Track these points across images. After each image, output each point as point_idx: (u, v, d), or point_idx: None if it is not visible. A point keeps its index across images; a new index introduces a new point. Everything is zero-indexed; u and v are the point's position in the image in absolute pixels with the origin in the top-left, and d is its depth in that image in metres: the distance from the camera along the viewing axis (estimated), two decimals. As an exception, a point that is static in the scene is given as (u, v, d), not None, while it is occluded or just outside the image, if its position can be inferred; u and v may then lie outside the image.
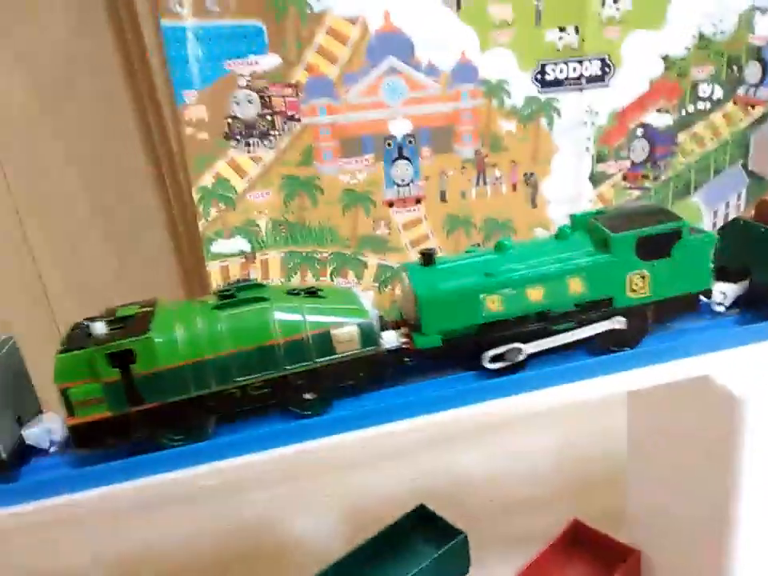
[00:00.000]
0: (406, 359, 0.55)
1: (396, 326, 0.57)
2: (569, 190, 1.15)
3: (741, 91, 1.17)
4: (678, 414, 0.62)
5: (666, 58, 1.12)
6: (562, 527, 0.78)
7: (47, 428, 0.51)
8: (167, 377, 0.48)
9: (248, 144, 0.98)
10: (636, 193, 1.20)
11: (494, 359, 0.54)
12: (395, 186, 1.06)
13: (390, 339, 0.54)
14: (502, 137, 1.09)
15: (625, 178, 1.18)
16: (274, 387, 0.51)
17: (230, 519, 0.96)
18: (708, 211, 1.24)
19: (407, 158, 1.06)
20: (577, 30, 1.05)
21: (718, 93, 1.16)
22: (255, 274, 1.04)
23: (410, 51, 1.00)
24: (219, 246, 1.01)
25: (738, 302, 0.61)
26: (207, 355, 0.49)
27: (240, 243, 1.01)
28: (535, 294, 0.53)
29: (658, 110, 1.15)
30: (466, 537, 0.75)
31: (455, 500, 0.87)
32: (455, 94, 1.04)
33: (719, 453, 0.55)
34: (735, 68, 1.16)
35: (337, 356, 0.52)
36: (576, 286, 0.54)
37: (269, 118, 0.97)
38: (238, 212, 1.00)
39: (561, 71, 1.07)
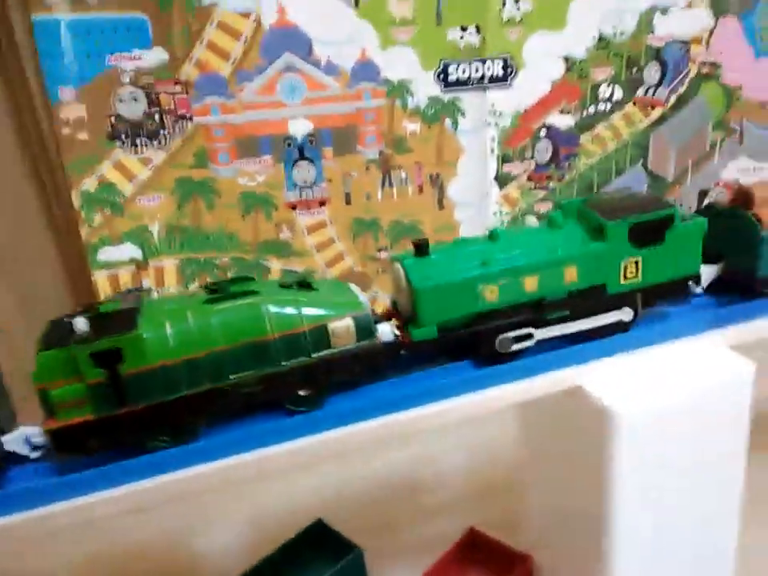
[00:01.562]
0: (402, 351, 0.54)
1: (387, 317, 0.56)
2: (475, 192, 1.14)
3: (640, 92, 1.20)
4: (560, 422, 0.62)
5: (566, 59, 1.12)
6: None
7: (27, 433, 0.48)
8: (157, 376, 0.46)
9: (135, 145, 0.92)
10: (541, 193, 1.20)
11: (505, 343, 0.54)
12: (297, 189, 1.03)
13: (386, 331, 0.53)
14: (406, 137, 1.07)
15: (530, 178, 1.18)
16: (268, 384, 0.49)
17: (129, 537, 0.91)
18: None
19: (309, 159, 1.02)
20: (478, 30, 1.04)
21: (618, 94, 1.18)
22: (149, 283, 0.98)
23: (307, 48, 0.96)
24: (107, 254, 0.95)
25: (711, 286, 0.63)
26: (200, 352, 0.47)
27: (131, 250, 0.95)
28: (531, 283, 0.54)
29: (561, 111, 1.16)
30: (362, 552, 0.73)
31: (357, 512, 0.84)
32: (357, 93, 1.01)
33: (595, 463, 0.55)
34: (635, 69, 1.17)
35: (334, 350, 0.50)
36: (571, 275, 0.54)
37: (157, 117, 0.92)
38: (127, 217, 0.94)
39: (464, 71, 1.06)
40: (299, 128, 1.00)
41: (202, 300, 0.49)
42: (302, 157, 1.01)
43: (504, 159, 1.15)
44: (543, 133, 1.16)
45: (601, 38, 1.13)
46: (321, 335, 0.49)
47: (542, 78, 1.12)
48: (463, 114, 1.09)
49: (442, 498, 0.85)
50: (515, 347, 0.55)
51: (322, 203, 1.05)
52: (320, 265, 1.08)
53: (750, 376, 0.56)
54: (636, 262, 0.56)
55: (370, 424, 0.52)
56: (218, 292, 0.50)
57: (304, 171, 1.02)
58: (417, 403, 0.53)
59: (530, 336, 0.55)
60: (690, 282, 0.60)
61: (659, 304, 0.60)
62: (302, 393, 0.51)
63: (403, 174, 1.09)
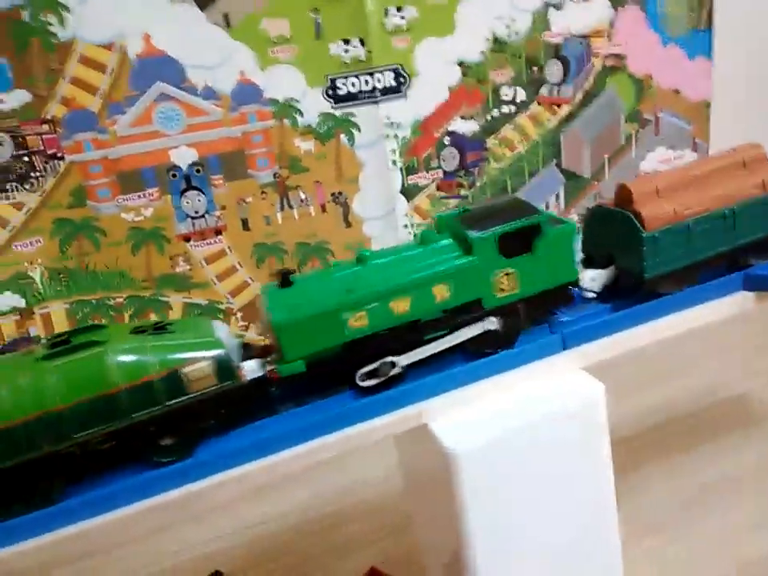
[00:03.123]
0: (272, 388, 0.52)
1: (264, 352, 0.53)
2: (382, 206, 1.11)
3: (544, 91, 1.17)
4: (416, 459, 0.59)
5: (461, 64, 1.10)
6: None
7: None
8: None
9: (5, 190, 0.88)
10: (453, 201, 1.17)
11: (368, 376, 0.52)
12: (189, 219, 0.99)
13: (252, 369, 0.50)
14: (301, 157, 1.04)
15: (439, 188, 1.15)
16: (121, 438, 0.47)
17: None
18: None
19: (197, 188, 0.99)
20: (363, 42, 1.01)
21: (521, 95, 1.16)
22: (37, 330, 0.94)
23: (180, 75, 0.94)
24: (-14, 305, 0.91)
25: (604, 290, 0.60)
26: (32, 413, 0.44)
27: (11, 299, 0.92)
28: (401, 306, 0.52)
29: (463, 117, 1.13)
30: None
31: (254, 559, 0.81)
32: (241, 116, 0.98)
33: (448, 501, 0.52)
34: (535, 68, 1.15)
35: (192, 395, 0.48)
36: (442, 292, 0.53)
37: (26, 159, 0.88)
38: (4, 265, 0.90)
39: (353, 85, 1.03)
40: (183, 157, 0.96)
41: (40, 356, 0.46)
42: (190, 186, 0.98)
43: (409, 170, 1.12)
44: (447, 140, 1.14)
45: (495, 40, 1.11)
46: (174, 381, 0.47)
47: (438, 84, 1.10)
48: (358, 129, 1.06)
49: (345, 536, 0.82)
50: (394, 371, 0.52)
51: (218, 232, 1.02)
52: (224, 295, 1.05)
53: (599, 398, 0.53)
54: (508, 273, 0.54)
55: (244, 468, 0.50)
56: (61, 345, 0.47)
57: (194, 201, 0.99)
58: (287, 444, 0.51)
59: (392, 365, 0.52)
60: (576, 288, 0.58)
61: (543, 313, 0.58)
62: (165, 443, 0.48)
63: (303, 195, 1.06)
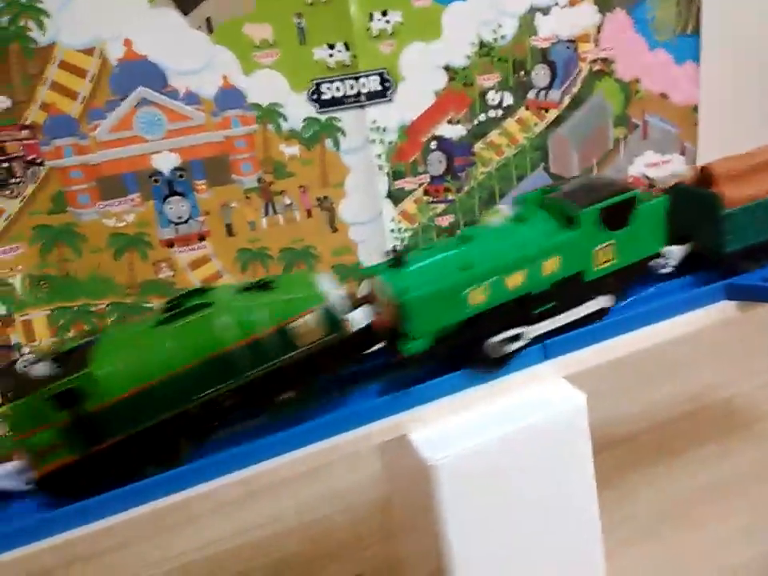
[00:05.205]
0: (395, 366, 0.54)
1: (363, 302, 0.54)
2: (368, 211, 1.11)
3: (531, 95, 1.17)
4: (399, 469, 0.58)
5: (448, 68, 1.09)
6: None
7: (15, 470, 0.48)
8: (120, 409, 0.45)
9: (-16, 196, 0.87)
10: (441, 206, 1.17)
11: (495, 348, 0.53)
12: (172, 225, 0.98)
13: (357, 319, 0.51)
14: (286, 162, 1.03)
15: (426, 192, 1.15)
16: (242, 395, 0.48)
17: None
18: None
19: (181, 194, 0.98)
20: (347, 47, 1.01)
21: (509, 99, 1.15)
22: (18, 338, 0.93)
23: (161, 80, 0.93)
24: (-35, 312, 0.90)
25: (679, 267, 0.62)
26: (158, 377, 0.46)
27: (-9, 306, 0.91)
28: (515, 280, 0.53)
29: (449, 121, 1.12)
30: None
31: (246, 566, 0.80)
32: (224, 121, 0.98)
33: (429, 512, 0.51)
34: (522, 73, 1.15)
35: (301, 349, 0.48)
36: (551, 266, 0.54)
37: (5, 165, 0.87)
38: (-17, 272, 0.89)
39: (338, 89, 1.02)
40: (165, 162, 0.96)
41: (156, 322, 0.48)
42: (173, 192, 0.97)
43: (395, 175, 1.11)
44: (434, 145, 1.13)
45: (482, 45, 1.10)
46: (284, 336, 0.48)
47: (425, 89, 1.09)
48: (344, 133, 1.05)
49: (330, 545, 0.81)
50: (508, 349, 0.54)
51: (202, 237, 1.01)
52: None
53: (581, 408, 0.53)
54: (608, 246, 0.56)
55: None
56: (173, 310, 0.48)
57: (177, 206, 0.98)
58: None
59: (518, 336, 0.54)
60: (656, 261, 0.60)
61: (628, 285, 0.60)
62: (285, 396, 0.49)
63: (288, 200, 1.05)
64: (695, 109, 1.29)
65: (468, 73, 1.11)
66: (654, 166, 1.30)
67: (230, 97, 0.97)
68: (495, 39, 1.11)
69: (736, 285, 0.59)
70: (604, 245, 0.55)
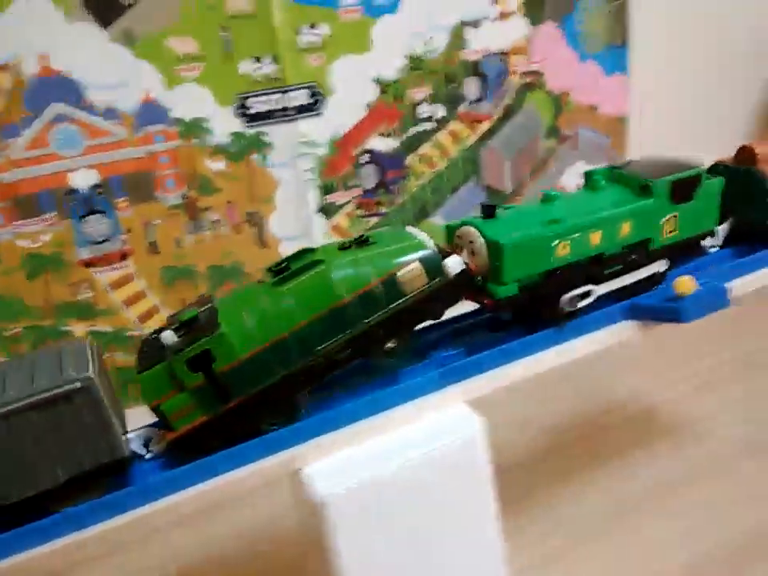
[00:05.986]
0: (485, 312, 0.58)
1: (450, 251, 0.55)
2: (299, 225, 1.09)
3: (463, 108, 1.17)
4: (299, 503, 0.57)
5: (378, 81, 1.08)
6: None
7: (144, 435, 0.51)
8: (249, 366, 0.47)
9: None
10: (374, 220, 1.16)
11: (571, 302, 0.56)
12: (91, 244, 0.95)
13: (455, 264, 0.52)
14: (212, 177, 1.00)
15: (359, 206, 1.14)
16: (355, 345, 0.50)
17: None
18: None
19: (100, 212, 0.94)
20: (275, 60, 0.98)
21: (440, 112, 1.15)
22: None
23: (79, 95, 0.89)
24: None
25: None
26: (282, 333, 0.48)
27: None
28: (594, 239, 0.56)
29: (381, 134, 1.12)
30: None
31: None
32: (146, 136, 0.94)
33: (325, 546, 0.50)
34: (454, 85, 1.14)
35: (409, 296, 0.50)
36: (626, 229, 0.57)
37: None
38: None
39: (265, 103, 1.00)
40: (83, 179, 0.92)
41: (270, 284, 0.50)
42: (93, 210, 0.94)
43: (327, 189, 1.10)
44: (366, 158, 1.12)
45: (412, 58, 1.09)
46: (392, 285, 0.50)
47: (355, 102, 1.08)
48: (272, 148, 1.03)
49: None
50: (591, 299, 0.57)
51: (124, 256, 0.98)
52: (133, 321, 1.00)
53: (479, 433, 0.53)
54: (674, 217, 0.59)
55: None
56: (282, 272, 0.50)
57: (96, 225, 0.95)
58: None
59: (588, 293, 0.57)
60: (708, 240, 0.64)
61: (685, 256, 0.64)
62: (390, 345, 0.52)
63: (214, 216, 1.02)
64: (624, 120, 1.31)
65: (399, 86, 1.10)
66: (585, 176, 1.31)
67: (152, 112, 0.93)
68: (426, 52, 1.10)
69: (638, 305, 0.60)
70: (670, 215, 0.59)
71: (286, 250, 1.09)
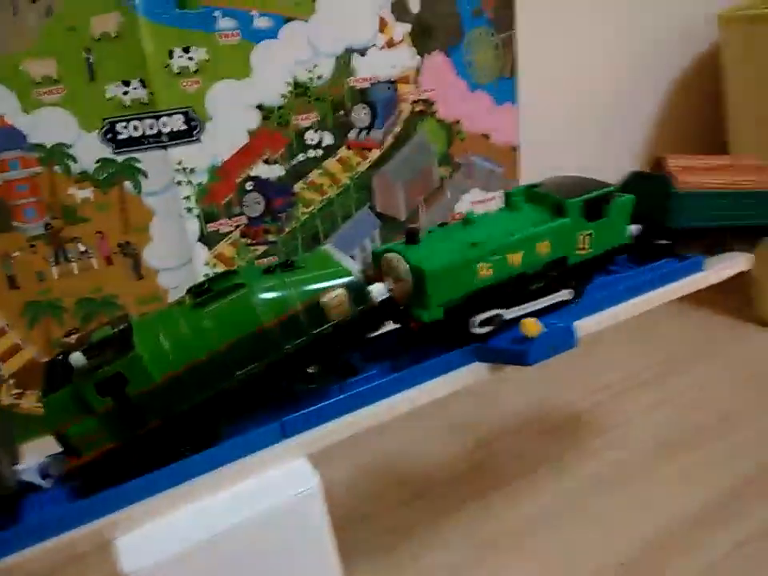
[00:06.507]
0: (409, 336, 0.59)
1: (375, 279, 0.57)
2: (178, 256, 1.04)
3: (352, 135, 1.15)
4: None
5: (261, 108, 1.05)
6: None
7: (41, 465, 0.49)
8: (164, 390, 0.46)
9: None
10: (261, 248, 1.12)
11: (482, 324, 0.57)
12: (-62, 279, 0.87)
13: (380, 291, 0.54)
14: (77, 206, 0.95)
15: (244, 234, 1.10)
16: (275, 370, 0.49)
17: None
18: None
19: (-51, 244, 0.87)
20: (144, 84, 0.94)
21: (328, 139, 1.13)
22: None
23: None
24: None
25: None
26: (200, 357, 0.47)
27: None
28: (515, 259, 0.58)
29: (266, 161, 1.08)
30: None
31: None
32: (1, 164, 0.88)
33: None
34: (342, 113, 1.13)
35: (332, 321, 0.50)
36: (544, 248, 0.59)
37: None
38: None
39: (135, 129, 0.95)
40: (-74, 210, 0.85)
41: (191, 306, 0.48)
42: (-61, 242, 0.86)
43: (208, 217, 1.06)
44: (250, 185, 1.08)
45: (297, 84, 1.07)
46: (315, 311, 0.50)
47: (236, 128, 1.04)
48: (145, 175, 0.98)
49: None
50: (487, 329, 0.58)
51: (-22, 291, 0.90)
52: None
53: (315, 490, 0.50)
54: (588, 235, 0.62)
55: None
56: (203, 294, 0.49)
57: (-56, 258, 0.87)
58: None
59: (498, 316, 0.58)
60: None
61: (599, 271, 0.67)
62: (310, 370, 0.52)
63: (82, 247, 0.96)
64: (515, 148, 1.33)
65: (283, 112, 1.07)
66: (480, 203, 1.32)
67: (6, 137, 0.87)
68: (311, 79, 1.08)
69: (485, 348, 0.59)
70: (584, 233, 0.62)
71: (165, 281, 1.05)
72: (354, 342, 0.54)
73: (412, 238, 0.57)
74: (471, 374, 0.59)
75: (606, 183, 0.64)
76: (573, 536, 0.81)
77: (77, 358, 0.45)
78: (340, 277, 0.51)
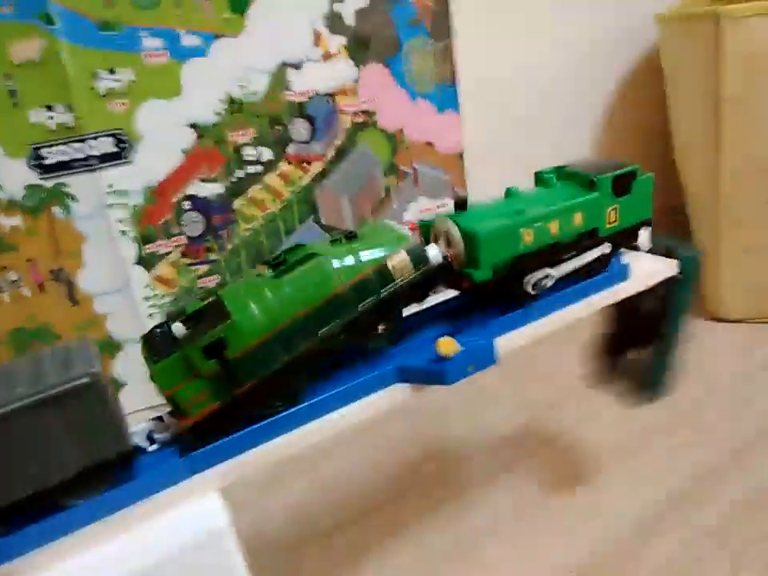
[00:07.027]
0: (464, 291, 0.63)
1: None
2: (114, 279, 1.02)
3: (292, 149, 1.14)
4: None
5: (195, 126, 1.03)
6: None
7: (148, 429, 0.52)
8: (258, 352, 0.50)
9: None
10: (204, 267, 1.11)
11: (534, 285, 0.61)
12: None
13: (436, 254, 0.58)
14: (5, 234, 0.92)
15: (185, 254, 1.08)
16: (350, 330, 0.54)
17: None
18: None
19: None
20: (69, 108, 0.92)
21: (268, 154, 1.11)
22: None
23: None
24: None
25: None
26: (287, 320, 0.51)
27: None
28: (553, 227, 0.62)
29: (204, 180, 1.07)
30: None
31: None
32: None
33: None
34: (280, 127, 1.11)
35: (398, 283, 0.55)
36: (578, 219, 0.63)
37: None
38: None
39: (63, 153, 0.93)
40: None
41: (271, 276, 0.52)
42: None
43: (145, 239, 1.04)
44: (188, 205, 1.07)
45: (232, 101, 1.06)
46: (384, 273, 0.54)
47: (170, 148, 1.03)
48: (75, 200, 0.96)
49: None
50: (550, 283, 0.62)
51: None
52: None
53: (224, 527, 0.49)
54: (615, 209, 0.66)
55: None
56: (279, 266, 0.53)
57: None
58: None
59: (547, 276, 0.62)
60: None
61: (626, 245, 0.69)
62: (380, 329, 0.57)
63: (13, 276, 0.94)
64: (460, 155, 1.33)
65: (218, 130, 1.06)
66: (428, 210, 1.32)
67: (-76, 167, 0.85)
68: (245, 95, 1.07)
69: (406, 368, 0.58)
70: (612, 207, 0.65)
71: (102, 306, 1.03)
72: (416, 299, 0.59)
73: (461, 205, 0.61)
74: (392, 396, 0.58)
75: (631, 162, 0.67)
76: (526, 544, 0.81)
77: (178, 327, 0.49)
78: (402, 242, 0.56)
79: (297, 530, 0.88)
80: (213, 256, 1.11)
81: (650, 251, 0.72)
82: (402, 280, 0.56)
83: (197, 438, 0.50)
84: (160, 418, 0.54)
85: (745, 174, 1.16)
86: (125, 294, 1.03)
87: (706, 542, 0.78)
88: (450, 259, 0.60)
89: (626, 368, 0.82)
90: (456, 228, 0.60)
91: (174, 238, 1.07)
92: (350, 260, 0.54)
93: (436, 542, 0.84)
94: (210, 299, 0.51)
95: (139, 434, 0.52)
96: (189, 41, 1.00)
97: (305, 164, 1.17)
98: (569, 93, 1.50)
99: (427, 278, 0.58)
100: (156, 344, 0.50)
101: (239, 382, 0.50)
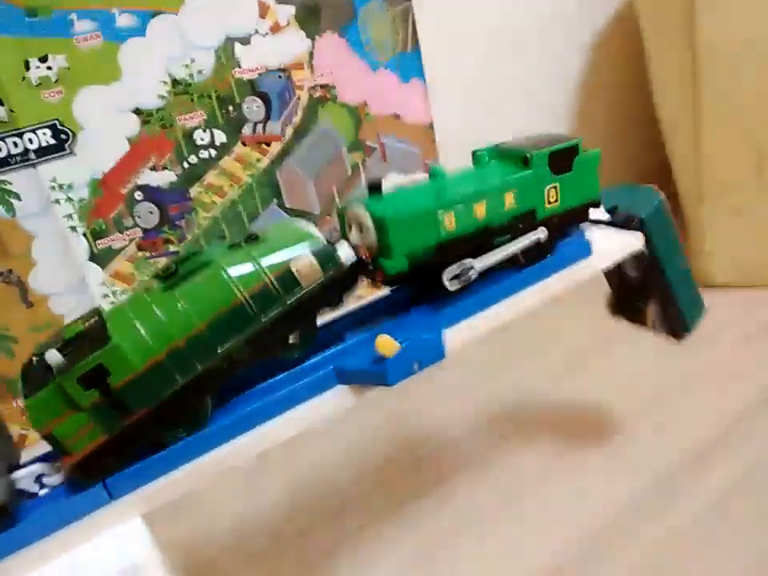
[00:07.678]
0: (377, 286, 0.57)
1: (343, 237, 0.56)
2: (68, 278, 0.98)
3: (247, 131, 1.09)
4: None
5: (138, 111, 0.98)
6: None
7: (36, 471, 0.48)
8: (148, 377, 0.45)
9: None
10: (163, 260, 1.06)
11: (453, 278, 0.56)
12: None
13: (347, 254, 0.53)
14: (-56, 239, 0.88)
15: (141, 247, 1.04)
16: (256, 343, 0.49)
17: None
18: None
19: None
20: (1, 101, 0.87)
21: (221, 137, 1.06)
22: None
23: None
24: None
25: None
26: (179, 339, 0.46)
27: None
28: (480, 210, 0.56)
29: (154, 168, 1.02)
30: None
31: None
32: None
33: None
34: (231, 108, 1.06)
35: (306, 289, 0.50)
36: (510, 200, 0.58)
37: None
38: None
39: (-1, 149, 0.88)
40: None
41: (161, 290, 0.47)
42: None
43: (97, 234, 0.99)
44: (140, 195, 1.02)
45: (176, 82, 1.00)
46: (288, 279, 0.49)
47: (113, 136, 0.98)
48: (18, 197, 0.91)
49: None
50: (473, 274, 0.56)
51: None
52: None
53: (151, 553, 0.46)
54: (555, 188, 0.60)
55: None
56: (170, 276, 0.48)
57: None
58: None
59: (471, 268, 0.56)
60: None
61: (570, 227, 0.65)
62: (291, 341, 0.51)
63: (-43, 281, 0.90)
64: (430, 126, 1.27)
65: (165, 114, 1.00)
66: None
67: None
68: (191, 75, 1.01)
69: (345, 370, 0.54)
70: (551, 186, 0.60)
71: (57, 306, 0.99)
72: (330, 304, 0.54)
73: (375, 188, 0.55)
74: (335, 398, 0.55)
75: (571, 137, 0.62)
76: (509, 535, 0.78)
77: (53, 355, 0.43)
78: (308, 243, 0.51)
79: (273, 532, 0.86)
80: (172, 248, 1.07)
81: (611, 224, 0.68)
82: (311, 285, 0.51)
83: (86, 477, 0.46)
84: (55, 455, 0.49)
85: (728, 131, 1.11)
86: (81, 293, 0.99)
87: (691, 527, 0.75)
88: (362, 251, 0.55)
89: (646, 317, 0.79)
90: (367, 214, 0.54)
91: (128, 231, 1.02)
92: (249, 267, 0.49)
93: (416, 534, 0.81)
94: (92, 320, 0.46)
95: (27, 479, 0.48)
96: (124, 20, 0.94)
97: (263, 145, 1.11)
98: (541, 52, 1.43)
99: (341, 279, 0.53)
100: (29, 376, 0.45)
101: (128, 411, 0.45)
